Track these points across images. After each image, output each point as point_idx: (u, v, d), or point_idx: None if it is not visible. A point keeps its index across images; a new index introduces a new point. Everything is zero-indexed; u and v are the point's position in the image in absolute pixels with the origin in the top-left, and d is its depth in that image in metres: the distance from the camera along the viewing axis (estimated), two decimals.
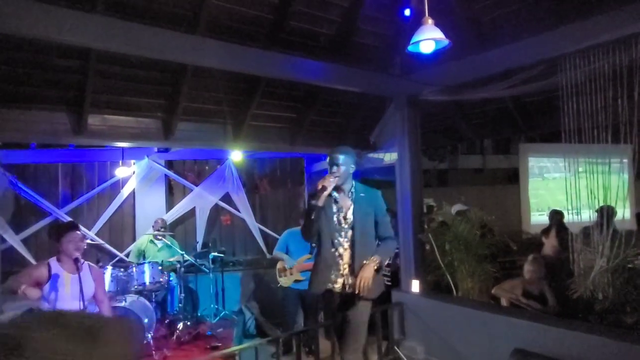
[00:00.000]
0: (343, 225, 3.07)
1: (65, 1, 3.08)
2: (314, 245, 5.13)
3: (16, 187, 6.05)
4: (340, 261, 3.06)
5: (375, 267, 2.94)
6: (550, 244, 6.09)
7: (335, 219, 3.07)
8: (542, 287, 4.53)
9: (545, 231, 6.39)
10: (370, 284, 2.89)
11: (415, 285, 4.78)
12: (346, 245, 3.06)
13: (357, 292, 2.89)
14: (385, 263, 3.22)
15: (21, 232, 6.38)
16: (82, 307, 3.05)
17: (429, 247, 4.76)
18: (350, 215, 3.07)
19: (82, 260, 3.20)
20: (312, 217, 2.95)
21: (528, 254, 4.86)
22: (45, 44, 3.54)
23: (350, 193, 3.10)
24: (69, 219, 6.59)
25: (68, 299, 3.05)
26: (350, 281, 3.03)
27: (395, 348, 4.61)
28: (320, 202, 2.88)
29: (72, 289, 3.05)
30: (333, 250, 3.07)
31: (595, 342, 3.18)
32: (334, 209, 3.08)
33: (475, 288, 4.65)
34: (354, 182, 3.14)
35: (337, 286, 3.06)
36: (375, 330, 4.49)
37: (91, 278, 3.29)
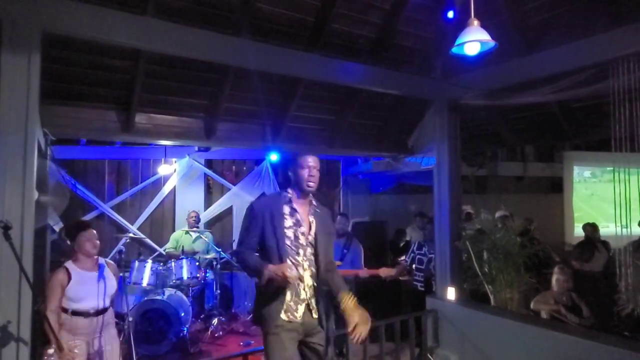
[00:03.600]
0: (301, 241, 2.56)
1: (117, 4, 3.23)
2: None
3: (68, 182, 6.37)
4: (301, 283, 2.53)
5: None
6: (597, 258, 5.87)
7: (292, 234, 2.55)
8: (572, 297, 4.37)
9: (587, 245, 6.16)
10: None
11: (451, 293, 4.68)
12: (306, 265, 2.56)
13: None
14: None
15: None
16: (103, 304, 3.07)
17: (466, 255, 4.65)
18: (313, 231, 2.61)
19: (98, 258, 3.19)
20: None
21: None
22: (97, 45, 3.70)
23: (310, 204, 2.65)
24: (114, 213, 6.89)
25: (90, 298, 3.04)
26: (314, 305, 2.57)
27: (428, 356, 4.53)
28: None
29: (92, 287, 3.03)
30: (302, 271, 2.54)
31: None
32: (290, 221, 2.56)
33: (514, 299, 4.49)
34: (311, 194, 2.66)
35: (298, 314, 2.52)
36: (408, 337, 4.44)
37: (111, 274, 3.22)
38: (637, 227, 4.08)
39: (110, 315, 3.20)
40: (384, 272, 4.89)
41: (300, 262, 2.54)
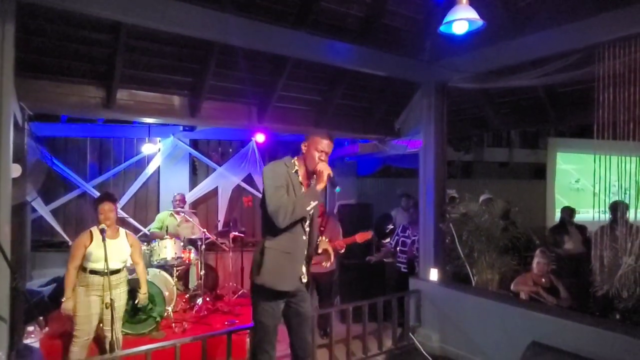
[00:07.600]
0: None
1: None
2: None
3: (47, 159, 6.23)
4: (305, 250, 2.84)
5: None
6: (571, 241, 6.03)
7: None
8: (551, 279, 4.52)
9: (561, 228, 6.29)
10: None
11: (434, 274, 4.75)
12: (307, 231, 2.82)
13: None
14: None
15: (50, 203, 6.59)
16: (116, 266, 3.58)
17: (449, 238, 4.70)
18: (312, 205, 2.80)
19: (117, 227, 3.73)
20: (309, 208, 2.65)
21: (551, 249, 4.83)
22: (76, 16, 3.58)
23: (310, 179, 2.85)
24: (96, 192, 6.78)
25: (110, 260, 3.45)
26: (304, 272, 2.85)
27: (410, 335, 4.61)
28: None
29: (108, 251, 3.43)
30: (304, 237, 2.79)
31: (616, 339, 3.11)
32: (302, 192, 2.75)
33: (494, 280, 4.59)
34: None
35: (304, 278, 2.84)
36: (391, 316, 4.50)
37: (127, 243, 3.78)
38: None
39: (123, 276, 3.77)
40: (361, 237, 4.69)
41: (305, 228, 2.77)
